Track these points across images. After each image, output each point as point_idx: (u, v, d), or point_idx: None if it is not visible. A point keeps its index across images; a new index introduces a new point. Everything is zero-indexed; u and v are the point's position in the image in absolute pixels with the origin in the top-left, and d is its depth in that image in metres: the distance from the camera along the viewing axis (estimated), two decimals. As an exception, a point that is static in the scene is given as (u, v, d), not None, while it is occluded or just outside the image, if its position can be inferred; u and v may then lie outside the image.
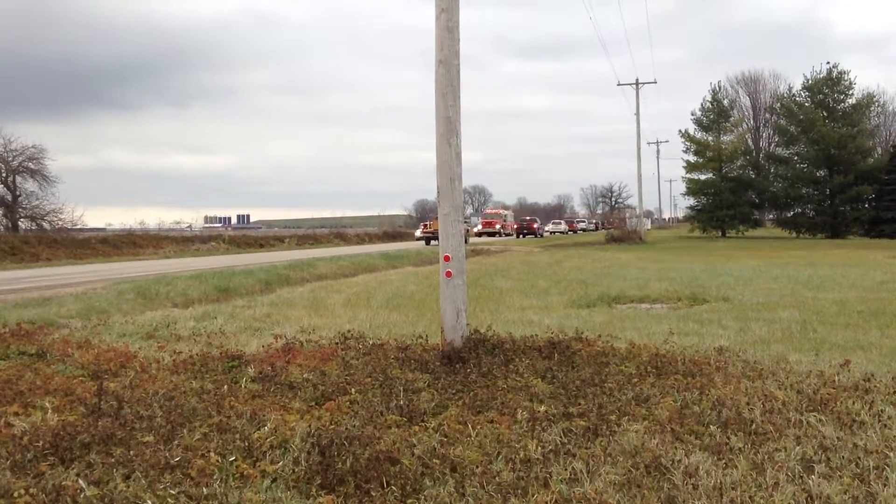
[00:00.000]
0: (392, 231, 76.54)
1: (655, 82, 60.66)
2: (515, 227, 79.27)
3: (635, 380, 6.82)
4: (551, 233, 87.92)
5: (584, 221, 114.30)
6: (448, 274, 8.08)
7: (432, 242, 48.94)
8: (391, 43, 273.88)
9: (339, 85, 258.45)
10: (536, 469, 4.65)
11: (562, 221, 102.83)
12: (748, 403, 5.96)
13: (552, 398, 6.24)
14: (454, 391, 6.50)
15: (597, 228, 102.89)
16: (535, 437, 5.17)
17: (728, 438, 5.21)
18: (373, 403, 6.00)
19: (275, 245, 52.48)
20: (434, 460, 4.71)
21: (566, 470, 4.65)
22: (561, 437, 5.24)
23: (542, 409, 5.84)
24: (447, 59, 8.04)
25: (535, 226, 78.15)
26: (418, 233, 57.39)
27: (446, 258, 8.12)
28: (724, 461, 4.81)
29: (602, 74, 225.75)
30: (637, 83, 58.33)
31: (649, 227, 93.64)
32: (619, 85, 60.62)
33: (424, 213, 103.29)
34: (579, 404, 6.02)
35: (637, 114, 58.67)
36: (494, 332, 8.57)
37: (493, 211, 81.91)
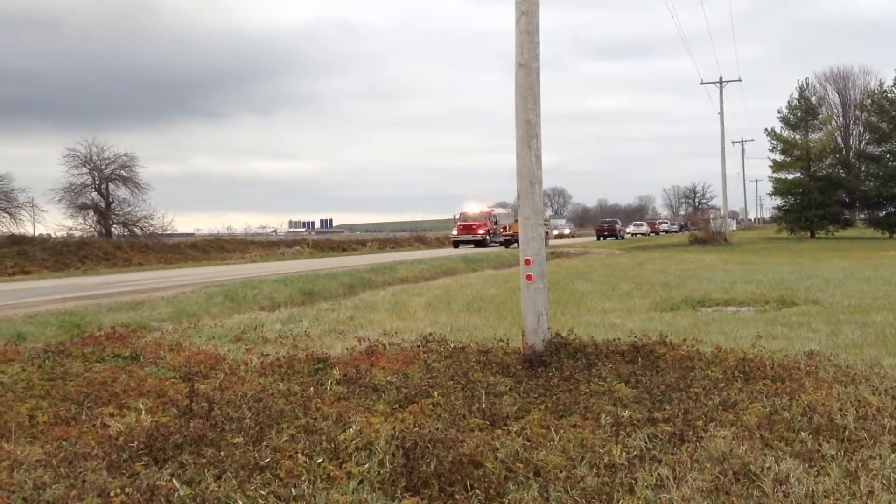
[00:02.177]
0: (472, 234, 76.42)
1: (740, 80, 59.45)
2: (512, 230, 55.63)
3: (722, 385, 6.67)
4: (633, 234, 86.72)
5: (666, 223, 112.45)
6: (529, 277, 8.06)
7: (511, 245, 48.96)
8: (467, 47, 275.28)
9: (417, 89, 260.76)
10: (621, 475, 4.60)
11: (643, 223, 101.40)
12: (840, 409, 5.76)
13: (636, 403, 6.15)
14: (536, 395, 6.47)
15: (680, 230, 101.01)
16: (620, 443, 5.11)
17: (820, 445, 5.05)
18: (455, 406, 6.02)
19: (357, 249, 53.17)
20: (517, 464, 4.70)
21: (652, 476, 4.58)
22: (646, 442, 5.16)
23: (627, 413, 5.76)
24: (527, 63, 8.01)
25: (616, 227, 77.19)
26: (497, 236, 57.09)
27: (527, 262, 8.09)
28: (815, 469, 4.66)
29: (682, 73, 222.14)
30: (721, 81, 57.17)
31: (734, 228, 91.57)
32: (701, 83, 59.33)
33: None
34: (664, 409, 5.92)
35: (721, 112, 57.55)
36: (576, 335, 8.51)
37: (478, 210, 54.38)
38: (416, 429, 5.23)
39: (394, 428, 5.18)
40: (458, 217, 54.51)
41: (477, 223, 52.34)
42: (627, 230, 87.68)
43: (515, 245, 47.11)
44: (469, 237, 51.86)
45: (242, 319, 12.91)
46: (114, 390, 6.84)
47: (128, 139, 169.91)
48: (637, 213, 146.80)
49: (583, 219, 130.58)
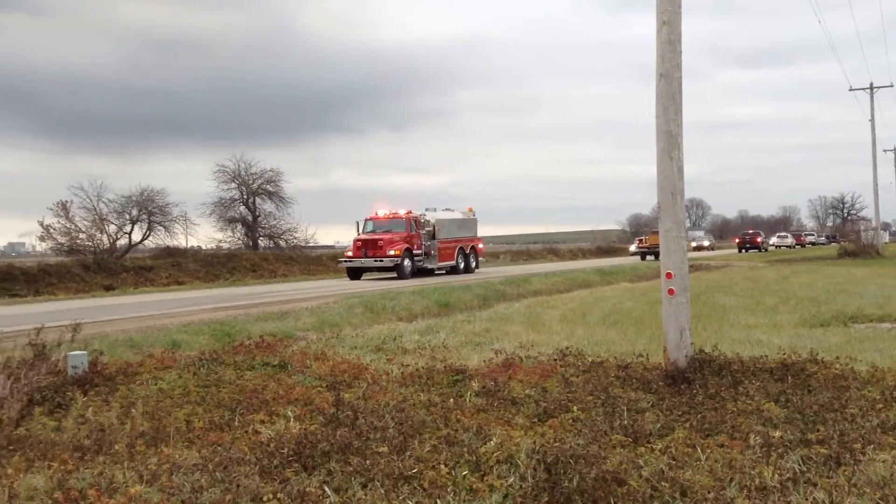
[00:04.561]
0: (605, 246, 75.48)
1: (892, 86, 55.91)
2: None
3: (880, 406, 6.29)
4: (776, 246, 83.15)
5: (812, 234, 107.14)
6: (670, 292, 7.86)
7: (647, 258, 47.83)
8: (593, 57, 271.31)
9: (542, 101, 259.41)
10: (774, 498, 4.40)
11: (788, 234, 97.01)
12: None
13: (787, 423, 5.88)
14: (680, 412, 6.30)
15: (828, 242, 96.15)
16: (771, 464, 4.89)
17: None
18: (596, 422, 5.94)
19: (489, 261, 53.33)
20: (663, 483, 4.58)
21: (807, 500, 4.37)
22: (799, 464, 4.92)
23: (777, 434, 5.51)
24: (668, 72, 7.85)
25: (759, 239, 74.17)
26: (633, 248, 56.25)
27: (668, 275, 7.90)
28: None
29: (827, 79, 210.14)
30: (871, 87, 54.09)
31: (887, 240, 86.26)
32: (850, 90, 56.08)
33: (638, 227, 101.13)
34: (818, 430, 5.63)
35: (872, 119, 54.34)
36: (720, 351, 8.23)
37: (387, 214, 32.63)
38: (556, 443, 5.18)
39: (534, 442, 5.16)
40: (359, 227, 32.55)
41: (387, 237, 30.77)
42: (771, 242, 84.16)
43: (652, 258, 46.08)
44: (370, 261, 30.42)
45: (382, 330, 13.20)
46: (264, 397, 7.12)
47: (271, 155, 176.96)
48: (780, 224, 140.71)
49: (722, 230, 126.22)
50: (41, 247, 40.63)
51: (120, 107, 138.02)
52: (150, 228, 43.30)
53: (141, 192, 43.26)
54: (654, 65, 8.01)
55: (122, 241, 41.50)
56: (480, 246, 37.09)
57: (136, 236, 43.08)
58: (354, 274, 31.23)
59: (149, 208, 43.44)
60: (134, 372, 8.36)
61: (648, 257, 48.16)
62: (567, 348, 9.45)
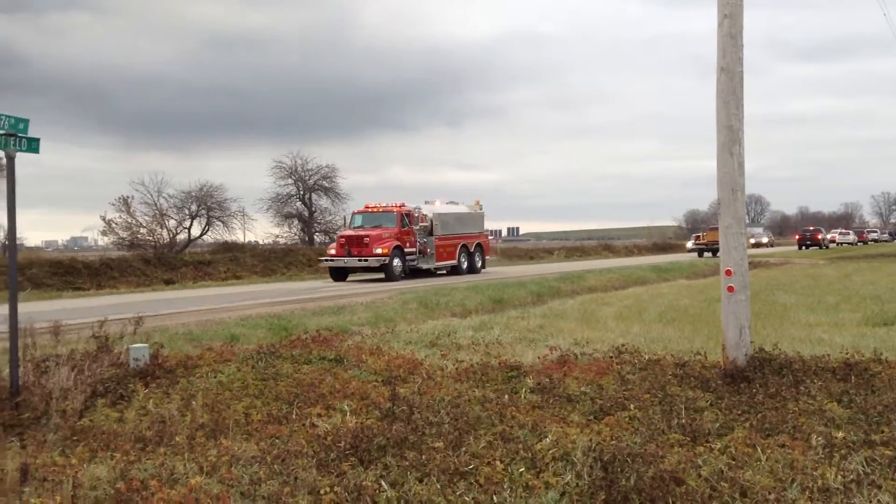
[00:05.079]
0: (662, 242, 74.49)
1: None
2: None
3: (949, 408, 6.11)
4: (838, 244, 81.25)
5: (875, 231, 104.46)
6: (730, 289, 7.73)
7: (705, 254, 47.10)
8: (649, 52, 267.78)
9: (598, 96, 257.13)
10: (837, 499, 4.32)
11: (850, 231, 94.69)
12: None
13: (850, 424, 5.75)
14: (739, 412, 6.20)
15: (892, 239, 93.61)
16: (834, 465, 4.79)
17: None
18: (653, 421, 5.88)
19: (544, 257, 53.11)
20: (722, 483, 4.51)
21: (870, 502, 4.27)
22: (863, 466, 4.80)
23: (840, 435, 5.39)
24: (730, 67, 7.71)
25: (820, 236, 72.56)
26: (690, 244, 55.31)
27: (728, 272, 7.78)
28: None
29: (891, 73, 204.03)
30: (939, 78, 52.42)
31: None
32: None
33: (695, 223, 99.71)
34: (882, 432, 5.49)
35: (939, 111, 52.71)
36: (781, 350, 8.09)
37: (377, 206, 29.18)
38: (613, 441, 5.15)
39: (590, 440, 5.13)
40: (346, 221, 31.20)
41: (374, 233, 27.26)
42: (831, 239, 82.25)
43: (709, 255, 45.36)
44: (354, 261, 26.77)
45: (436, 325, 13.25)
46: (320, 391, 7.20)
47: (326, 151, 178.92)
48: (842, 220, 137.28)
49: (782, 227, 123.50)
50: (103, 241, 41.34)
51: (181, 104, 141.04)
52: (208, 223, 43.95)
53: (200, 188, 43.89)
54: (713, 59, 7.88)
55: (182, 236, 42.18)
56: (487, 243, 33.84)
57: (195, 231, 43.77)
58: (338, 275, 27.67)
59: (207, 204, 44.03)
60: (194, 365, 8.52)
61: (706, 254, 47.38)
62: (623, 345, 9.39)
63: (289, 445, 5.44)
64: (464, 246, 30.67)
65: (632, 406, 6.32)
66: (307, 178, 52.31)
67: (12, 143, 7.37)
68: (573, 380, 7.50)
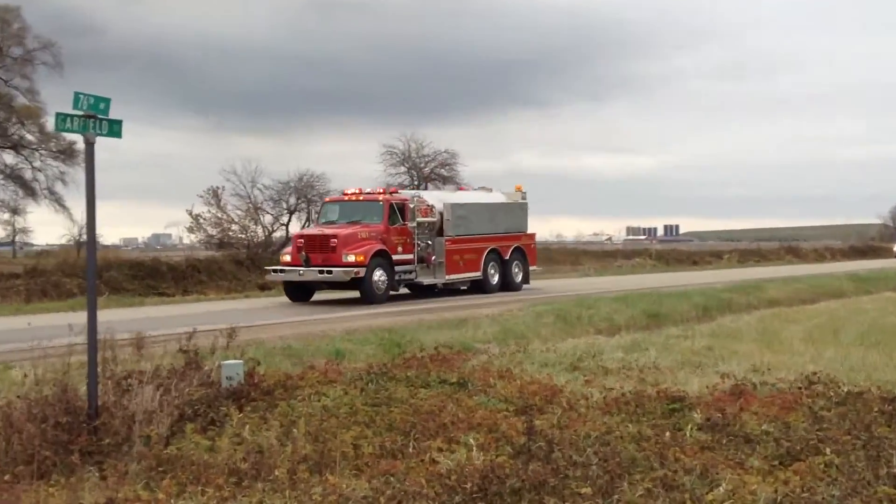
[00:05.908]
0: (861, 245, 71.76)
1: None
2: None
3: None
4: None
5: None
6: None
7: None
8: (857, 3, 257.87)
9: (786, 63, 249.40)
10: None
11: None
12: None
13: None
14: (968, 461, 5.90)
15: None
16: None
17: None
18: (856, 469, 5.69)
19: (710, 262, 52.03)
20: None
21: None
22: None
23: None
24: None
25: None
26: (898, 247, 53.05)
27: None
28: None
29: None
30: None
31: None
32: None
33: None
34: None
35: None
36: None
37: (357, 193, 23.55)
38: (805, 494, 5.02)
39: (775, 490, 5.04)
40: (311, 216, 26.64)
41: (345, 232, 22.05)
42: None
43: None
44: (313, 274, 21.44)
45: (578, 344, 13.19)
46: (441, 421, 7.27)
47: (444, 132, 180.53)
48: None
49: None
50: (189, 239, 42.61)
51: (278, 79, 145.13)
52: (308, 219, 44.71)
53: (299, 178, 44.58)
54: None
55: (279, 234, 43.17)
56: (533, 247, 27.18)
57: (294, 228, 44.67)
58: (296, 293, 22.54)
59: (308, 196, 44.68)
60: (294, 385, 8.75)
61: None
62: (814, 374, 9.14)
63: (405, 485, 5.51)
64: (493, 252, 24.89)
65: (827, 450, 6.15)
66: (422, 165, 52.81)
67: (92, 125, 7.49)
68: (751, 415, 7.36)
